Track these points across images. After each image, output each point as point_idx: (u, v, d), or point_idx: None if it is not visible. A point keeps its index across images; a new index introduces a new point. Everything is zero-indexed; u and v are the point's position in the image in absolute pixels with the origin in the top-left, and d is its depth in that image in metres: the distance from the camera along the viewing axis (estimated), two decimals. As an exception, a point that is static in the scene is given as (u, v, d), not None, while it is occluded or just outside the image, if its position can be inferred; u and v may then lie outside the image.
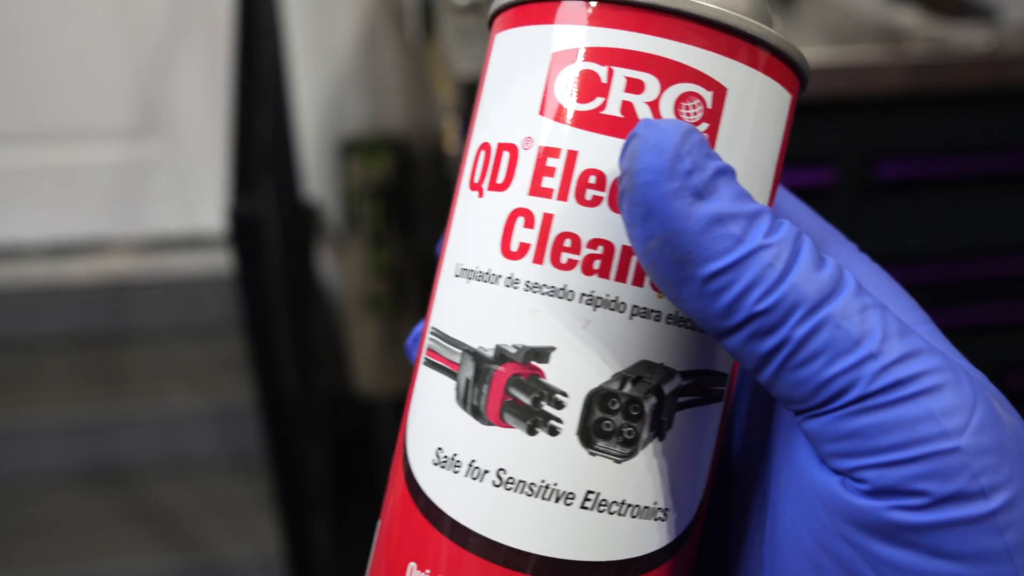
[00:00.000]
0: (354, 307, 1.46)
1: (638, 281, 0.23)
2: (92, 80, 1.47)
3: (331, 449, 1.40)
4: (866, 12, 1.02)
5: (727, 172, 0.22)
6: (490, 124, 0.26)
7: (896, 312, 0.24)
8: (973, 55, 0.92)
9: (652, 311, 0.23)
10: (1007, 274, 1.03)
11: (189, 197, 1.55)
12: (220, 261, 1.44)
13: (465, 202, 0.26)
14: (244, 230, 0.87)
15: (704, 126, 0.23)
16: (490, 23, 0.27)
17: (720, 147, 0.24)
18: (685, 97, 0.23)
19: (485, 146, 0.25)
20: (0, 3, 1.42)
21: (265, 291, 0.93)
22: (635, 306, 0.23)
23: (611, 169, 0.23)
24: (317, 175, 1.52)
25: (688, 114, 0.23)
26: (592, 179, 0.23)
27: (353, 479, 1.49)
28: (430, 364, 0.25)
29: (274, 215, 1.02)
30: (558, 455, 0.23)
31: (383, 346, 1.45)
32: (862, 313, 0.21)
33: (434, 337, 0.25)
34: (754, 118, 0.24)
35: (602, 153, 0.23)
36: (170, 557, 1.29)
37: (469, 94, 0.88)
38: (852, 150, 0.95)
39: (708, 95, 0.23)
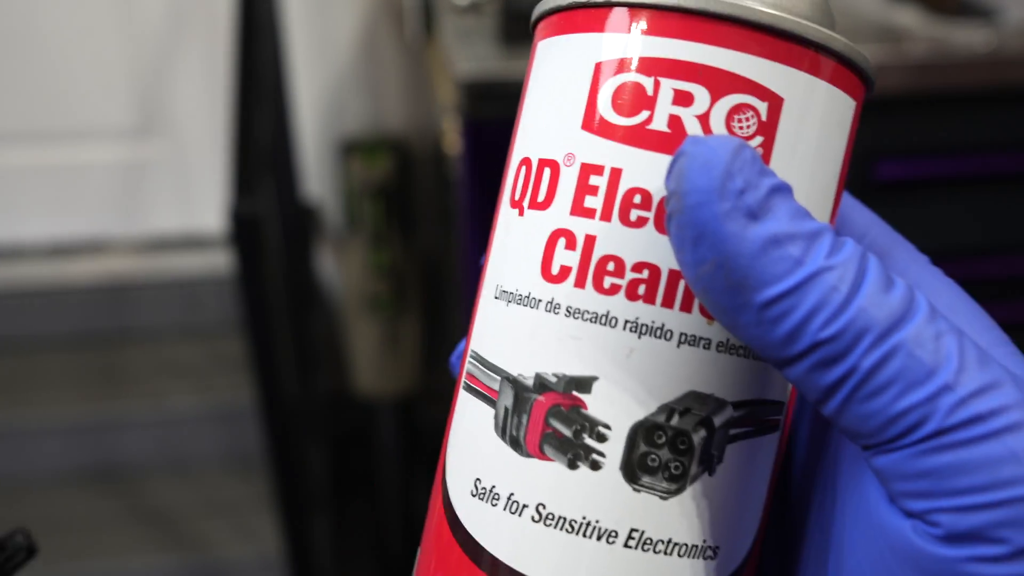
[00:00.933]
0: (354, 307, 1.46)
1: (686, 307, 0.22)
2: (92, 80, 1.47)
3: (331, 449, 1.40)
4: (866, 12, 1.02)
5: (783, 189, 0.20)
6: (531, 138, 0.24)
7: (973, 333, 0.22)
8: (973, 55, 0.92)
9: (701, 339, 0.22)
10: (1007, 274, 1.03)
11: (189, 197, 1.55)
12: (220, 261, 1.44)
13: (506, 220, 0.24)
14: (244, 230, 0.87)
15: (758, 140, 0.22)
16: (532, 28, 0.25)
17: (775, 162, 0.22)
18: (737, 109, 0.22)
19: (526, 161, 0.24)
20: (0, 3, 1.42)
21: (265, 291, 0.93)
22: (683, 334, 0.22)
23: (657, 188, 0.22)
24: (317, 175, 1.51)
25: (740, 128, 0.22)
26: (637, 199, 0.22)
27: (353, 479, 1.49)
28: (469, 389, 0.24)
29: (274, 215, 1.02)
30: (600, 491, 0.22)
31: (383, 346, 1.45)
32: (937, 340, 0.19)
33: (473, 361, 0.24)
34: (815, 129, 0.23)
35: (648, 171, 0.22)
36: (170, 557, 1.29)
37: (469, 94, 0.88)
38: (852, 150, 0.95)
39: (763, 106, 0.22)
